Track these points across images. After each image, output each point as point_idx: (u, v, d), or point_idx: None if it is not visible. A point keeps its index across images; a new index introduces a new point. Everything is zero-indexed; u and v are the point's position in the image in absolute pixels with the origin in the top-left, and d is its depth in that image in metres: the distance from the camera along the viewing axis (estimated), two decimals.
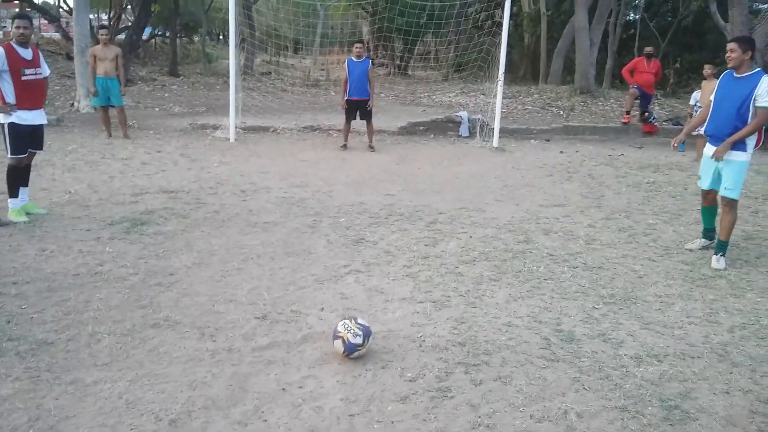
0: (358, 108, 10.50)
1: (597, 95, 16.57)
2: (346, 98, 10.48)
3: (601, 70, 20.29)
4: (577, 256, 5.42)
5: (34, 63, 5.85)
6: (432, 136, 12.27)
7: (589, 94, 16.43)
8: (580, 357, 3.64)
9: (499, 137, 11.30)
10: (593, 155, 10.61)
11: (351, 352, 3.52)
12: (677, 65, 20.51)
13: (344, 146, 10.57)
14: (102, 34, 10.42)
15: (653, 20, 22.83)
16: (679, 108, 15.24)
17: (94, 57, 10.24)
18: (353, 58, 10.48)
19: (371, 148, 10.59)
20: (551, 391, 3.28)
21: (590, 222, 6.50)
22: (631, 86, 13.07)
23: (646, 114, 13.04)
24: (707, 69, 10.42)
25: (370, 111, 10.56)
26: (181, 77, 20.29)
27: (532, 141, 12.12)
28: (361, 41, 11.13)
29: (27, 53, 5.79)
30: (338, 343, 3.53)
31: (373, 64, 11.06)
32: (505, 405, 3.15)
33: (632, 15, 24.20)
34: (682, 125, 12.57)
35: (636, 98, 13.01)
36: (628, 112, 13.22)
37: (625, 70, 13.30)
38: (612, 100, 16.18)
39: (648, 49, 13.17)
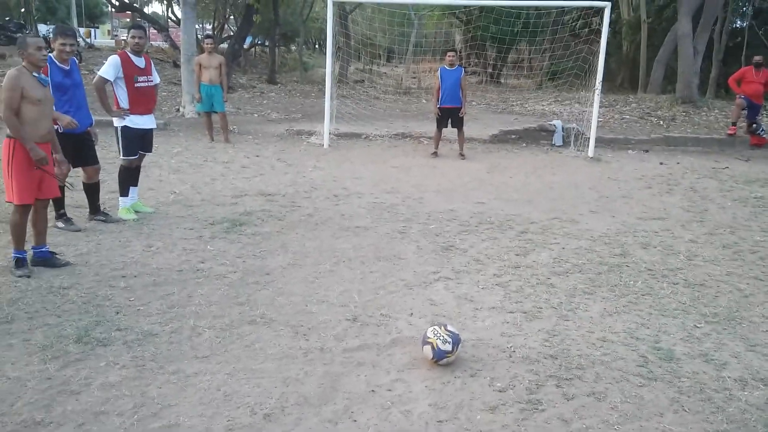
0: (450, 116, 10.50)
1: (700, 105, 15.81)
2: (438, 106, 10.51)
3: (705, 79, 19.34)
4: (677, 272, 5.19)
5: (146, 71, 6.22)
6: (524, 144, 12.09)
7: (691, 104, 15.70)
8: (679, 377, 3.48)
9: (595, 147, 10.99)
10: (695, 167, 10.13)
11: (440, 358, 3.53)
12: None
13: (435, 153, 10.61)
14: (207, 44, 10.94)
15: (762, 28, 21.54)
16: None
17: (200, 65, 10.76)
18: (446, 66, 10.51)
19: (462, 156, 10.56)
20: (648, 410, 3.16)
21: (692, 237, 6.21)
22: (738, 96, 12.41)
23: (754, 125, 12.32)
24: None
25: (462, 119, 10.54)
26: (279, 85, 20.97)
27: (630, 151, 11.71)
28: (453, 49, 11.14)
29: (140, 61, 6.17)
30: (427, 349, 3.54)
31: (465, 72, 11.04)
32: (598, 422, 3.06)
33: (739, 22, 22.94)
34: None
35: (743, 109, 12.33)
36: (734, 123, 12.54)
37: (732, 80, 12.65)
38: (716, 111, 15.39)
39: (757, 58, 12.45)
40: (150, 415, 2.97)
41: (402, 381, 3.39)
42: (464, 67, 11.73)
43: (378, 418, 3.05)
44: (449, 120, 10.55)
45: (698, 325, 4.16)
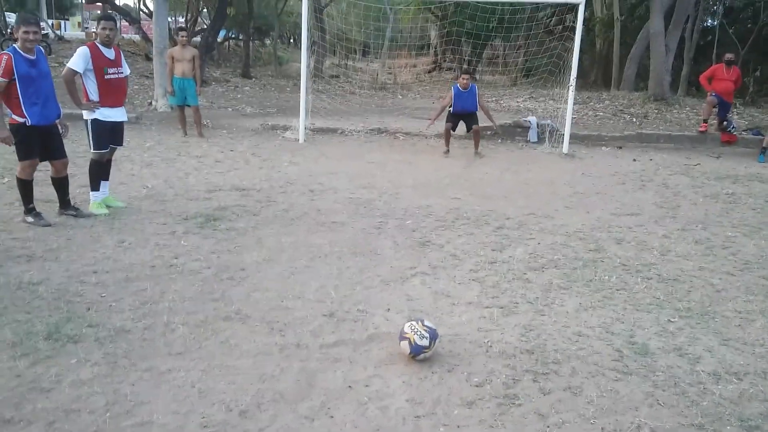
0: (462, 118, 10.38)
1: (672, 103, 16.02)
2: (450, 111, 10.36)
3: (677, 77, 19.62)
4: (651, 267, 5.25)
5: (116, 62, 6.10)
6: (499, 141, 12.13)
7: (663, 101, 15.90)
8: (654, 371, 3.52)
9: (570, 143, 11.07)
10: (668, 164, 10.27)
11: (417, 353, 3.51)
12: (757, 73, 19.61)
13: (447, 152, 10.35)
14: (181, 36, 10.79)
15: (732, 27, 21.90)
16: (759, 117, 14.58)
17: (172, 58, 10.60)
18: (459, 88, 10.28)
19: (478, 154, 10.40)
20: (624, 404, 3.18)
21: (665, 232, 6.28)
22: (709, 94, 12.58)
23: (725, 123, 12.51)
24: None
25: (476, 116, 10.38)
26: (253, 79, 20.78)
27: (604, 148, 11.82)
28: (469, 72, 10.94)
29: (110, 53, 6.04)
30: (405, 344, 3.53)
31: (439, 68, 11.01)
32: (575, 416, 3.07)
33: (710, 21, 23.27)
34: (762, 135, 12.02)
35: (714, 106, 12.51)
36: (705, 121, 12.72)
37: (703, 77, 12.82)
38: (688, 108, 15.61)
39: (728, 56, 12.64)
40: (123, 413, 2.91)
41: (379, 377, 3.38)
42: (439, 64, 11.69)
43: (355, 413, 3.03)
44: (460, 121, 10.38)
45: (672, 320, 4.21)
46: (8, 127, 5.43)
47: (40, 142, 5.61)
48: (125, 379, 3.21)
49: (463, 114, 10.37)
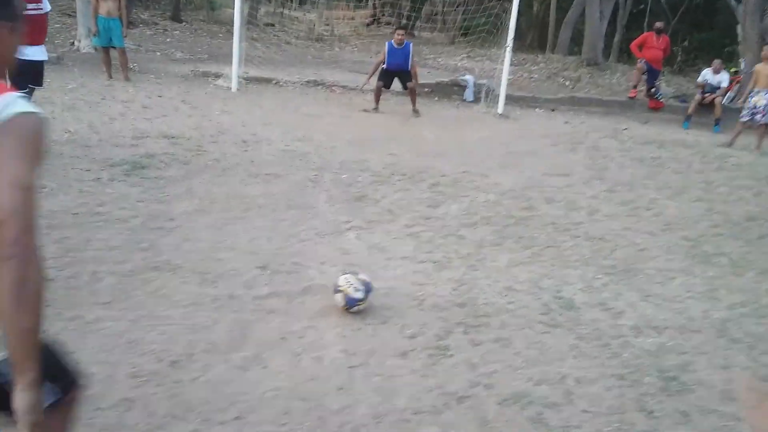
0: (396, 76, 10.10)
1: (604, 68, 16.38)
2: (383, 68, 10.08)
3: (609, 43, 20.05)
4: (579, 226, 5.41)
5: None
6: (436, 99, 12.13)
7: (596, 66, 16.23)
8: (579, 324, 3.65)
9: (505, 104, 11.18)
10: (598, 128, 10.53)
11: (351, 306, 3.52)
12: (686, 43, 20.29)
13: (376, 109, 10.07)
14: None
15: None
16: (686, 86, 15.11)
17: None
18: (394, 44, 9.99)
19: (416, 112, 10.16)
20: (550, 355, 3.30)
21: (593, 193, 6.47)
22: (639, 61, 12.93)
23: (653, 90, 12.92)
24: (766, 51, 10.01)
25: (410, 75, 10.13)
26: (184, 23, 19.87)
27: (537, 110, 12.01)
28: (403, 27, 10.64)
29: None
30: (339, 297, 3.52)
31: (378, 23, 10.77)
32: (503, 366, 3.16)
33: None
34: (688, 103, 12.49)
35: (643, 73, 12.87)
36: (635, 87, 13.09)
37: (634, 45, 13.13)
38: (619, 74, 15.99)
39: (658, 24, 12.98)
40: None
41: (313, 328, 3.37)
42: (377, 19, 11.47)
43: (289, 364, 3.02)
44: (395, 78, 10.10)
45: (597, 277, 4.37)
46: None
47: None
48: (49, 328, 3.06)
49: (397, 71, 10.12)
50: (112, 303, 3.38)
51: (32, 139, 1.43)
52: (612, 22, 19.11)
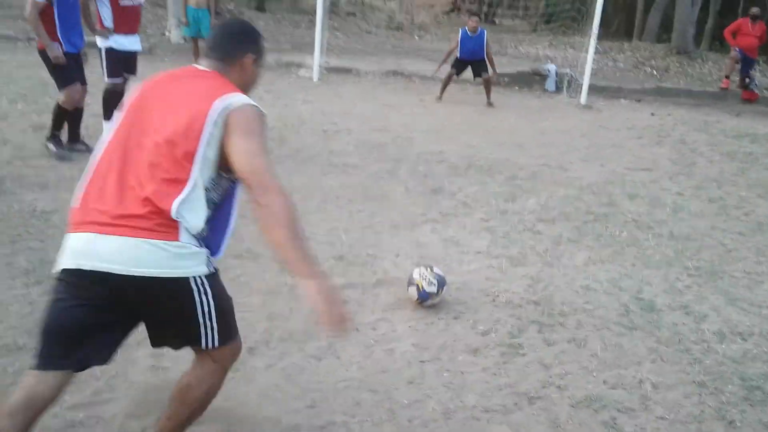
0: (470, 64, 9.86)
1: (694, 57, 15.64)
2: (457, 56, 9.87)
3: (701, 30, 19.10)
4: (662, 224, 5.22)
5: None
6: (516, 88, 11.94)
7: (686, 54, 15.52)
8: (659, 327, 3.54)
9: (588, 94, 10.87)
10: (686, 120, 10.10)
11: (424, 300, 3.55)
12: None
13: (440, 98, 9.88)
14: None
15: None
16: None
17: None
18: (468, 31, 9.74)
19: (490, 104, 9.88)
20: (627, 359, 3.22)
21: (679, 190, 6.23)
22: (732, 49, 12.29)
23: (747, 80, 12.26)
24: None
25: (485, 64, 9.83)
26: (268, 13, 20.33)
27: (622, 101, 11.62)
28: (477, 14, 10.40)
29: None
30: (413, 290, 3.56)
31: (458, 10, 10.65)
32: (578, 368, 3.11)
33: None
34: None
35: (737, 62, 12.24)
36: (727, 77, 12.47)
37: (728, 32, 12.49)
38: (710, 63, 15.25)
39: (754, 10, 12.28)
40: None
41: (386, 320, 3.42)
42: (458, 6, 11.37)
43: (361, 355, 3.08)
44: (468, 67, 9.85)
45: (680, 278, 4.22)
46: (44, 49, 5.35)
47: (76, 68, 5.57)
48: None
49: (470, 60, 9.84)
50: None
51: (260, 121, 1.97)
52: (704, 7, 18.20)
